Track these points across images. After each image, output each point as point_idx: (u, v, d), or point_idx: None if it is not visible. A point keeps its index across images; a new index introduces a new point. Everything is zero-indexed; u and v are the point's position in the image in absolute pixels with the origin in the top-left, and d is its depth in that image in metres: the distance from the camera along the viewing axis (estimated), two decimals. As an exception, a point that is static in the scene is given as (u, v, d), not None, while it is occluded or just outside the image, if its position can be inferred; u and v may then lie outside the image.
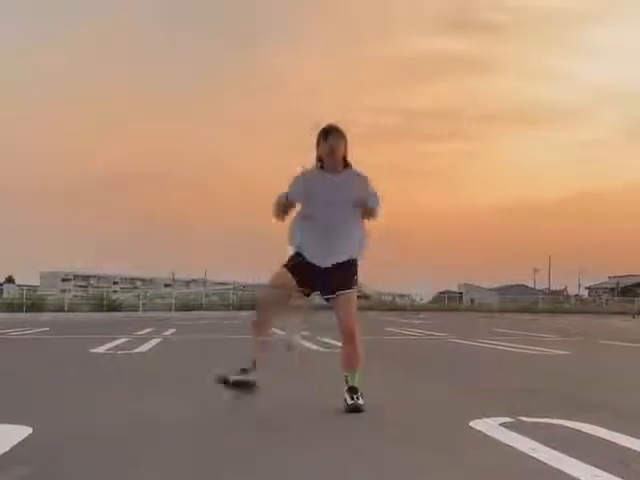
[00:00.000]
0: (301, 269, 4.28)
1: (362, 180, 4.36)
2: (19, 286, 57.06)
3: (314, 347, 9.63)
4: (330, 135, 4.26)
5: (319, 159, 4.33)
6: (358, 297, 4.47)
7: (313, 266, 4.29)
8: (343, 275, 4.32)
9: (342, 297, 4.29)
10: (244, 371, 4.22)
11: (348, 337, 4.33)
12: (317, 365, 7.61)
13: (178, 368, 7.27)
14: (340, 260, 4.30)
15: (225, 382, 4.16)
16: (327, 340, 10.78)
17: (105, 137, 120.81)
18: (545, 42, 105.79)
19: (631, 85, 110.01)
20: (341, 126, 4.33)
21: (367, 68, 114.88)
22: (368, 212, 4.29)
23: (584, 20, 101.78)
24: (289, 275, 4.26)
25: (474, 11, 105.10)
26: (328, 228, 4.28)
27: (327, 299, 4.37)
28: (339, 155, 4.28)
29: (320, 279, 4.30)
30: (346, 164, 4.35)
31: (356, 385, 4.24)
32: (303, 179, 4.36)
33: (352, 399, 4.16)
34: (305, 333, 13.80)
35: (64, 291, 60.56)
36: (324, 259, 4.29)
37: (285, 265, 4.31)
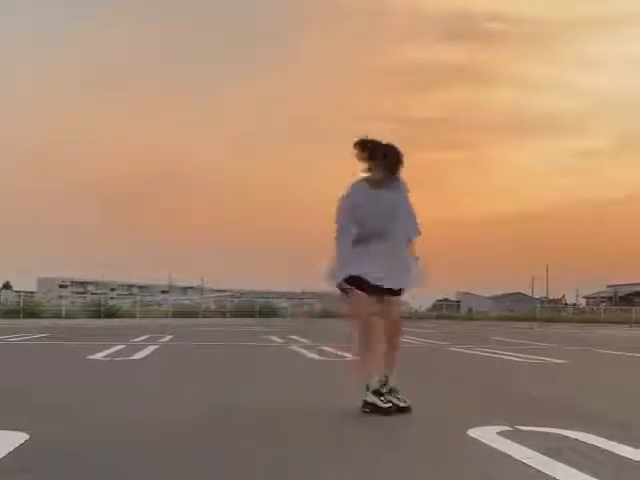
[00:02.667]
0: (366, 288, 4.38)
1: (403, 193, 4.50)
2: (16, 292, 57.01)
3: (314, 356, 9.63)
4: (393, 156, 4.36)
5: (369, 170, 4.40)
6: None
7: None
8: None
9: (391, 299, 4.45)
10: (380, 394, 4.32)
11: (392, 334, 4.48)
12: (317, 370, 7.62)
13: (176, 374, 7.26)
14: (396, 287, 4.42)
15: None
16: (326, 348, 10.79)
17: (102, 143, 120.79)
18: (543, 52, 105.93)
19: (629, 95, 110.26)
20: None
21: (362, 77, 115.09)
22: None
23: (582, 31, 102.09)
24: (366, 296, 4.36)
25: (472, 21, 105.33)
26: (381, 250, 4.37)
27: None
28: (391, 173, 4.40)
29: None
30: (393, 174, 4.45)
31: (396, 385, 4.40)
32: (353, 197, 4.41)
33: (400, 400, 4.30)
34: (305, 341, 13.81)
35: (61, 297, 60.48)
36: (382, 282, 4.37)
37: (357, 287, 4.36)
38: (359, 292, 4.34)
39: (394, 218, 4.40)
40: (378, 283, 4.34)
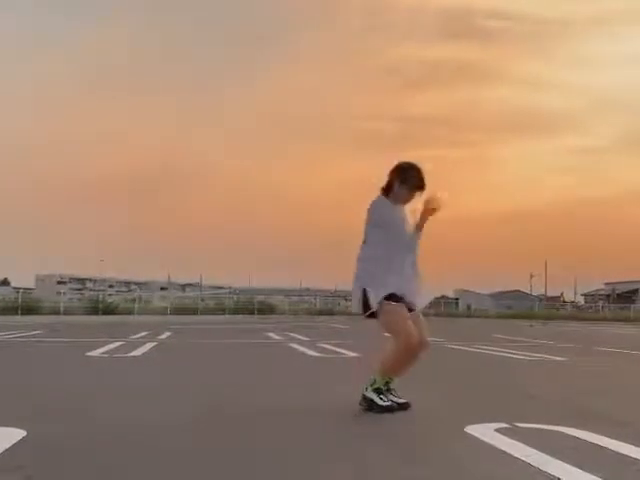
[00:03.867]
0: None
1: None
2: (14, 289, 56.96)
3: (313, 353, 9.62)
4: (424, 186, 4.37)
5: (389, 189, 4.37)
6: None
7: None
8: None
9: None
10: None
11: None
12: (315, 368, 7.61)
13: (174, 372, 7.25)
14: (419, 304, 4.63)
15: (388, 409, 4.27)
16: (325, 346, 10.78)
17: (102, 141, 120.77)
18: (543, 51, 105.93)
19: (629, 93, 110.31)
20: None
21: (362, 76, 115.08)
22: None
23: (582, 29, 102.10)
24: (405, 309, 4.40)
25: (472, 19, 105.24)
26: (406, 268, 4.42)
27: None
28: None
29: None
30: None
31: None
32: (391, 210, 4.38)
33: (398, 397, 4.37)
34: (304, 338, 13.81)
35: (59, 294, 60.43)
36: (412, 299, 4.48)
37: (396, 301, 4.36)
38: (395, 304, 4.31)
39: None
40: (409, 299, 4.42)
